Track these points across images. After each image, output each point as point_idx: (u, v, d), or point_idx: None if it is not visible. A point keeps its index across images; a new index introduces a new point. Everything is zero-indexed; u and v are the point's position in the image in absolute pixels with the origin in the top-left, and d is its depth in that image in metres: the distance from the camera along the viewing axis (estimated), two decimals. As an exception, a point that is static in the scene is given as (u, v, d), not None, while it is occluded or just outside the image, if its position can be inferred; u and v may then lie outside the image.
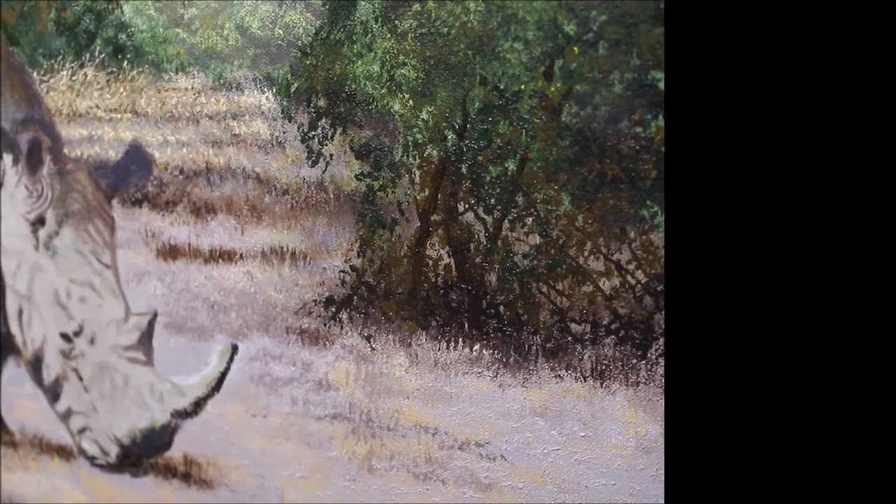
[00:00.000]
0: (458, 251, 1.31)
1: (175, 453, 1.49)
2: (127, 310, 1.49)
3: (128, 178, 1.53)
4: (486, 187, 1.28)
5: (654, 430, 1.22)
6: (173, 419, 1.46)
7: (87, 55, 1.58)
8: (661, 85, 1.16)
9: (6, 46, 1.58)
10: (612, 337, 1.28)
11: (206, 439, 1.48)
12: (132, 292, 1.54)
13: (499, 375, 1.30)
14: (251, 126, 1.44)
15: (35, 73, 1.61)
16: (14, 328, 1.53)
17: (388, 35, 1.28)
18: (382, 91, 1.30)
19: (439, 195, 1.30)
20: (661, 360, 1.23)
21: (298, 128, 1.38)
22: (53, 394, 1.51)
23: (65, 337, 1.49)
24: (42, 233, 1.49)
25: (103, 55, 1.57)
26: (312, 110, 1.36)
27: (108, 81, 1.58)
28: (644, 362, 1.25)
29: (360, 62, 1.30)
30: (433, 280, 1.32)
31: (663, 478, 1.19)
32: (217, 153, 1.47)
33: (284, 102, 1.40)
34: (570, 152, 1.23)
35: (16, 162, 1.49)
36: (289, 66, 1.38)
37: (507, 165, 1.26)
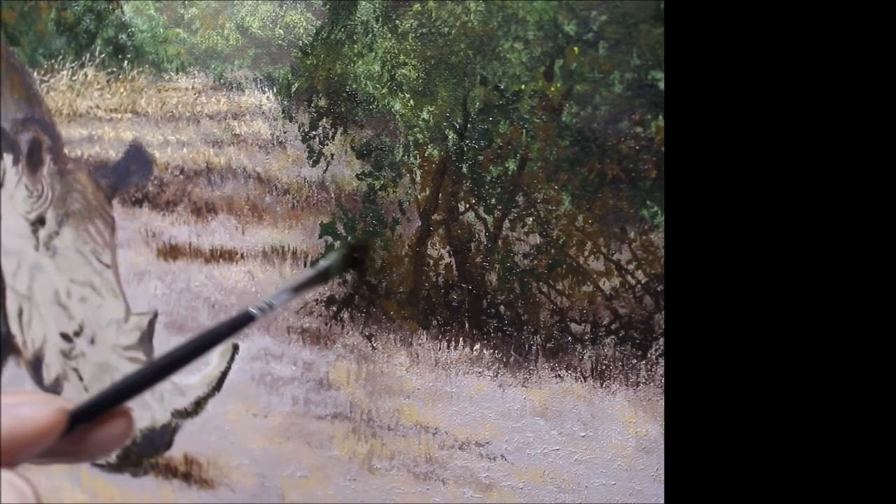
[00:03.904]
0: (459, 251, 1.31)
1: (175, 453, 1.49)
2: (127, 310, 1.49)
3: (128, 177, 1.53)
4: (487, 187, 1.27)
5: (654, 430, 1.21)
6: (174, 419, 1.45)
7: (88, 55, 1.58)
8: (661, 85, 1.16)
9: (6, 46, 1.58)
10: (612, 337, 1.27)
11: (206, 439, 1.48)
12: (132, 292, 1.53)
13: (499, 375, 1.30)
14: (252, 126, 1.43)
15: (35, 73, 1.61)
16: (14, 328, 1.53)
17: (389, 35, 1.28)
18: (383, 91, 1.29)
19: (440, 195, 1.30)
20: (661, 360, 1.23)
21: (299, 127, 1.38)
22: (53, 394, 1.50)
23: (65, 337, 1.48)
24: (42, 233, 1.49)
25: (103, 55, 1.57)
26: (313, 110, 1.36)
27: (108, 81, 1.57)
28: (644, 362, 1.25)
29: (360, 62, 1.30)
30: (434, 279, 1.32)
31: (663, 478, 1.19)
32: (218, 153, 1.47)
33: (285, 102, 1.39)
34: (570, 152, 1.23)
35: (16, 162, 1.48)
36: (289, 65, 1.37)
37: (507, 165, 1.26)
